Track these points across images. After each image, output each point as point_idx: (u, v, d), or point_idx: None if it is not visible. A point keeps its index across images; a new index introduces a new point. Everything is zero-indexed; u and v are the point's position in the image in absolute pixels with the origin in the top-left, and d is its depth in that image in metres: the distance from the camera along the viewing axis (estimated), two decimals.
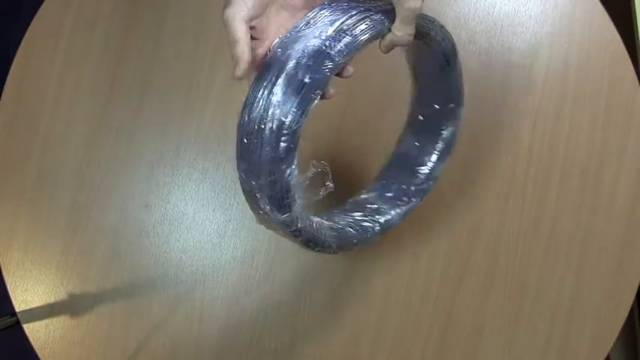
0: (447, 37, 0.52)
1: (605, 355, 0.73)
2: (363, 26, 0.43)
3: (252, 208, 0.46)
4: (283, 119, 0.40)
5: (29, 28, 0.80)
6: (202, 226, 0.77)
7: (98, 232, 0.77)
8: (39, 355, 0.77)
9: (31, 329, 0.77)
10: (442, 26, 0.51)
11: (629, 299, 0.73)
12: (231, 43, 0.44)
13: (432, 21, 0.49)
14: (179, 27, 0.79)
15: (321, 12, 0.43)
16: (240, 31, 0.43)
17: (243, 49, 0.43)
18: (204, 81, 0.78)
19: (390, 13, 0.44)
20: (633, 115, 0.75)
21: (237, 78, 0.44)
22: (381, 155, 0.68)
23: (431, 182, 0.64)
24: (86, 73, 0.79)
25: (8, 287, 0.78)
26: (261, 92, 0.42)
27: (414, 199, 0.63)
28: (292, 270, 0.75)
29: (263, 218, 0.46)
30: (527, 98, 0.76)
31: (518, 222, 0.74)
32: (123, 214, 0.77)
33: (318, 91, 0.41)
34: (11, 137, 0.80)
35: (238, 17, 0.43)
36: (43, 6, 0.80)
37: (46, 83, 0.79)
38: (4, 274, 0.78)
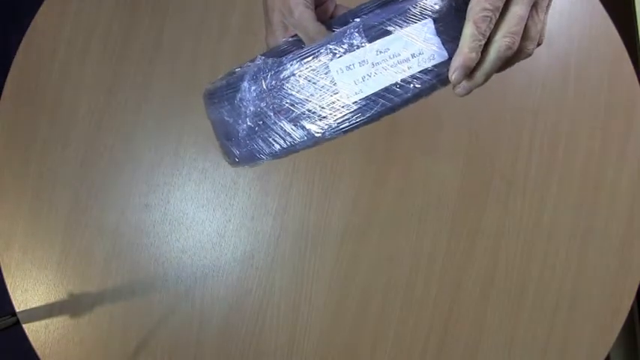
0: None
1: (605, 355, 0.73)
2: None
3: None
4: None
5: (29, 28, 0.80)
6: (202, 226, 0.77)
7: (98, 232, 0.77)
8: (39, 355, 0.77)
9: (31, 329, 0.77)
10: None
11: (629, 299, 0.73)
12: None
13: None
14: (179, 27, 0.79)
15: None
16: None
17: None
18: (204, 81, 0.78)
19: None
20: (633, 115, 0.75)
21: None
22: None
23: None
24: (86, 73, 0.79)
25: (8, 287, 0.78)
26: None
27: None
28: (292, 270, 0.75)
29: None
30: (527, 98, 0.76)
31: (518, 222, 0.74)
32: (123, 214, 0.77)
33: None
34: (11, 137, 0.79)
35: (310, 15, 0.44)
36: (43, 6, 0.80)
37: (46, 83, 0.79)
38: (4, 274, 0.78)
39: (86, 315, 0.76)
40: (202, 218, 0.77)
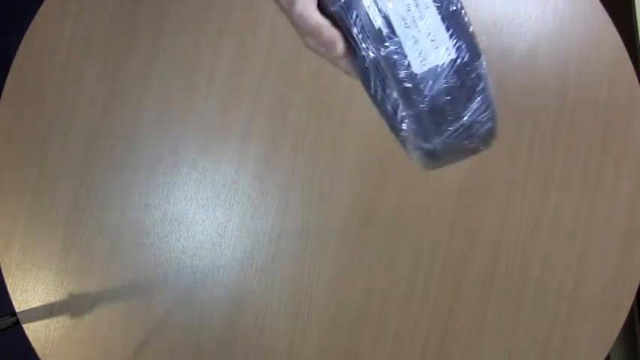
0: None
1: (605, 355, 0.73)
2: None
3: None
4: None
5: (29, 28, 0.80)
6: (202, 226, 0.77)
7: (98, 232, 0.77)
8: (39, 355, 0.77)
9: (31, 329, 0.77)
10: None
11: (629, 299, 0.73)
12: (313, 33, 0.42)
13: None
14: (179, 27, 0.79)
15: None
16: (318, 18, 0.42)
17: (330, 30, 0.42)
18: (204, 81, 0.78)
19: None
20: (633, 115, 0.75)
21: (339, 56, 0.42)
22: None
23: None
24: (86, 73, 0.79)
25: (8, 287, 0.78)
26: None
27: None
28: (292, 270, 0.75)
29: None
30: (528, 98, 0.76)
31: (518, 222, 0.74)
32: (123, 214, 0.77)
33: None
34: (11, 137, 0.79)
35: (310, 7, 0.42)
36: (43, 6, 0.80)
37: (46, 83, 0.79)
38: (4, 274, 0.78)
39: (86, 315, 0.76)
40: (202, 218, 0.77)
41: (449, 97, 0.39)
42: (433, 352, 0.74)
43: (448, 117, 0.40)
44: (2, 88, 0.80)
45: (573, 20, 0.76)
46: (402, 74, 0.38)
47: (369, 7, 0.38)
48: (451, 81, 0.39)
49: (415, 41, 0.38)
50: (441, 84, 0.39)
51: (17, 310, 0.78)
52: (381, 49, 0.38)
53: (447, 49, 0.38)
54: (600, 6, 0.76)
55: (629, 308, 0.73)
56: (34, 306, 0.77)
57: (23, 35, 0.80)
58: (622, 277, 0.73)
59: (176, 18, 0.79)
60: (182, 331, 0.76)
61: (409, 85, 0.38)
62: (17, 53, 0.80)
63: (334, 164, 0.76)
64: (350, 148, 0.76)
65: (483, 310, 0.74)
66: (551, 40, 0.76)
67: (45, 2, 0.80)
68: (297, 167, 0.76)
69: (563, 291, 0.73)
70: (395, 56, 0.38)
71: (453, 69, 0.39)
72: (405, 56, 0.38)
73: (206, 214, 0.77)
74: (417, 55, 0.38)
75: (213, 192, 0.77)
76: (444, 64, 0.38)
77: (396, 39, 0.38)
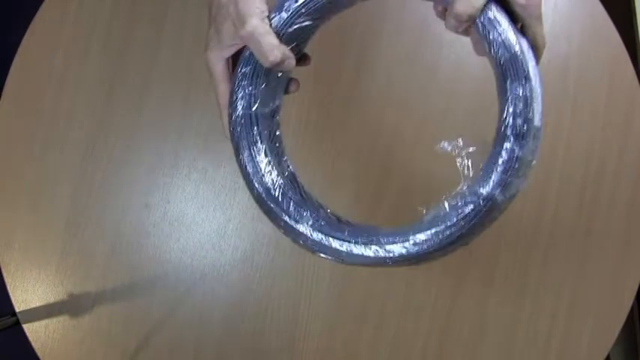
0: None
1: (605, 355, 0.73)
2: None
3: None
4: None
5: (29, 28, 0.80)
6: (202, 226, 0.77)
7: (98, 232, 0.77)
8: (39, 355, 0.77)
9: (31, 329, 0.77)
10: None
11: (629, 299, 0.73)
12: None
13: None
14: (179, 27, 0.79)
15: None
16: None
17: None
18: (204, 81, 0.78)
19: None
20: (633, 115, 0.75)
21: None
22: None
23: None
24: (86, 73, 0.79)
25: (8, 287, 0.78)
26: None
27: None
28: (292, 270, 0.75)
29: None
30: None
31: (518, 222, 0.74)
32: (123, 214, 0.77)
33: None
34: (11, 137, 0.79)
35: (218, 58, 0.48)
36: (43, 6, 0.80)
37: (46, 83, 0.79)
38: (4, 274, 0.78)
39: (86, 315, 0.76)
40: (202, 218, 0.77)
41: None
42: (433, 353, 0.74)
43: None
44: (2, 88, 0.80)
45: (573, 19, 0.76)
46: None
47: None
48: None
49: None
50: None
51: (17, 310, 0.78)
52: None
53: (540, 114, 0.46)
54: (600, 5, 0.76)
55: (629, 308, 0.73)
56: (34, 306, 0.77)
57: (23, 35, 0.80)
58: (622, 277, 0.73)
59: (176, 18, 0.79)
60: (182, 331, 0.76)
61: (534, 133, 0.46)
62: (17, 53, 0.80)
63: (334, 164, 0.76)
64: (350, 148, 0.76)
65: (483, 311, 0.74)
66: (551, 39, 0.76)
67: (45, 2, 0.80)
68: (297, 167, 0.76)
69: (564, 291, 0.73)
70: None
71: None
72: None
73: (206, 214, 0.77)
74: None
75: (213, 192, 0.77)
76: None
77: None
